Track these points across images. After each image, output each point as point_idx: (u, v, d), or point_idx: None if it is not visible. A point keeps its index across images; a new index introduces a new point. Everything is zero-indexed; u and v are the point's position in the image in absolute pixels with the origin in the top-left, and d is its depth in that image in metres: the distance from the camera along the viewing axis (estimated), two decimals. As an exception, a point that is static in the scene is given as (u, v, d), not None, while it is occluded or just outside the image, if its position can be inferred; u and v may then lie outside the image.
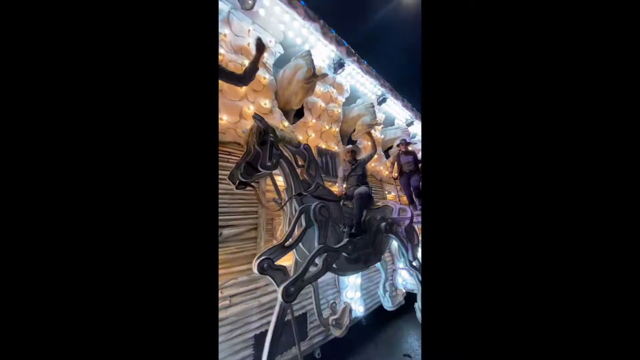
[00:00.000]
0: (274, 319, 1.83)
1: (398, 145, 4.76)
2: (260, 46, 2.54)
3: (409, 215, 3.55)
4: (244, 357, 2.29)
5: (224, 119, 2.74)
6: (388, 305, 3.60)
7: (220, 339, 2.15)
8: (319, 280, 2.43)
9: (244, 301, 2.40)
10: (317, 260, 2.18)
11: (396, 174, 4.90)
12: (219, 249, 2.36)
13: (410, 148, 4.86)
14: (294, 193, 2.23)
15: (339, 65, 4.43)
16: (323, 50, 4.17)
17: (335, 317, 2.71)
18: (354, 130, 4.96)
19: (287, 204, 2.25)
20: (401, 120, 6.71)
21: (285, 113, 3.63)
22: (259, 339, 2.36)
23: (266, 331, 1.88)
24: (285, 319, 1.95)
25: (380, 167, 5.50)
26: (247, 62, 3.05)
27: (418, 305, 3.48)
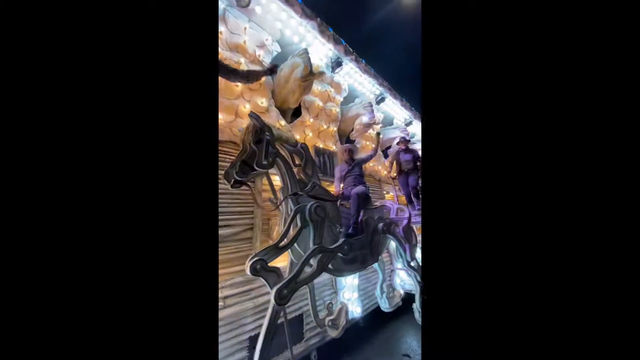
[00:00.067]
0: (265, 322, 1.79)
1: (398, 143, 4.73)
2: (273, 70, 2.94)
3: (407, 215, 3.52)
4: (238, 359, 2.25)
5: (219, 117, 2.71)
6: (385, 307, 3.58)
7: (214, 340, 2.11)
8: (316, 281, 2.40)
9: (239, 302, 2.37)
10: (312, 261, 2.14)
11: (394, 174, 4.87)
12: (214, 250, 2.33)
13: (409, 146, 4.83)
14: (290, 192, 2.20)
15: (336, 64, 4.39)
16: (320, 49, 4.13)
17: (331, 317, 2.68)
18: (352, 129, 4.94)
19: (283, 203, 2.22)
20: (400, 120, 6.68)
21: (283, 112, 3.60)
22: (254, 340, 2.31)
23: (262, 333, 1.84)
24: (279, 322, 1.92)
25: (379, 166, 5.47)
26: (242, 60, 3.02)
27: (416, 305, 3.46)
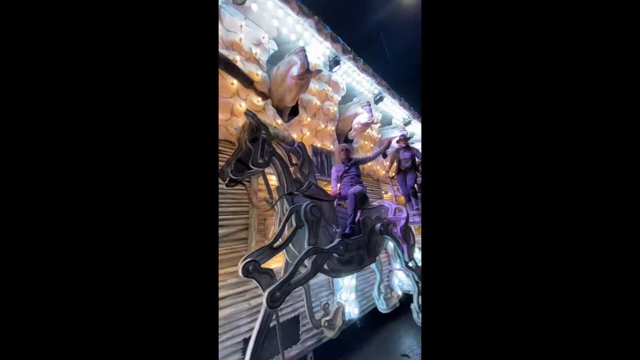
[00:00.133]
0: (257, 325, 1.74)
1: (398, 141, 4.70)
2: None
3: (405, 215, 3.49)
4: (232, 361, 2.21)
5: (214, 116, 2.67)
6: (382, 308, 3.54)
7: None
8: (312, 281, 2.36)
9: (233, 304, 2.33)
10: (306, 262, 2.10)
11: (393, 173, 4.84)
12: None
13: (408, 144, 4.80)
14: (285, 192, 2.16)
15: (334, 63, 4.35)
16: (318, 47, 4.09)
17: (327, 318, 2.64)
18: (350, 129, 4.90)
19: (278, 203, 2.18)
20: (398, 120, 6.65)
21: (279, 111, 3.56)
22: (249, 342, 2.29)
23: (256, 335, 1.80)
24: (271, 325, 1.88)
25: (377, 166, 5.44)
26: (238, 58, 2.99)
27: (414, 306, 3.42)
